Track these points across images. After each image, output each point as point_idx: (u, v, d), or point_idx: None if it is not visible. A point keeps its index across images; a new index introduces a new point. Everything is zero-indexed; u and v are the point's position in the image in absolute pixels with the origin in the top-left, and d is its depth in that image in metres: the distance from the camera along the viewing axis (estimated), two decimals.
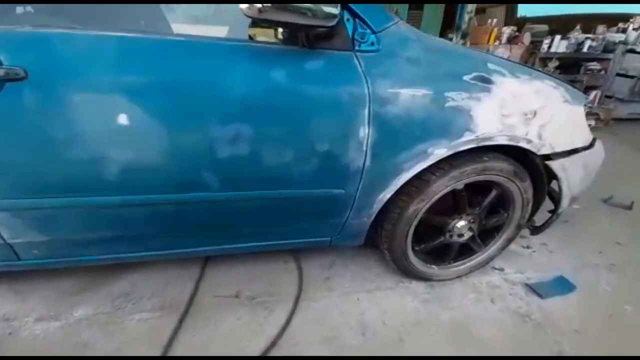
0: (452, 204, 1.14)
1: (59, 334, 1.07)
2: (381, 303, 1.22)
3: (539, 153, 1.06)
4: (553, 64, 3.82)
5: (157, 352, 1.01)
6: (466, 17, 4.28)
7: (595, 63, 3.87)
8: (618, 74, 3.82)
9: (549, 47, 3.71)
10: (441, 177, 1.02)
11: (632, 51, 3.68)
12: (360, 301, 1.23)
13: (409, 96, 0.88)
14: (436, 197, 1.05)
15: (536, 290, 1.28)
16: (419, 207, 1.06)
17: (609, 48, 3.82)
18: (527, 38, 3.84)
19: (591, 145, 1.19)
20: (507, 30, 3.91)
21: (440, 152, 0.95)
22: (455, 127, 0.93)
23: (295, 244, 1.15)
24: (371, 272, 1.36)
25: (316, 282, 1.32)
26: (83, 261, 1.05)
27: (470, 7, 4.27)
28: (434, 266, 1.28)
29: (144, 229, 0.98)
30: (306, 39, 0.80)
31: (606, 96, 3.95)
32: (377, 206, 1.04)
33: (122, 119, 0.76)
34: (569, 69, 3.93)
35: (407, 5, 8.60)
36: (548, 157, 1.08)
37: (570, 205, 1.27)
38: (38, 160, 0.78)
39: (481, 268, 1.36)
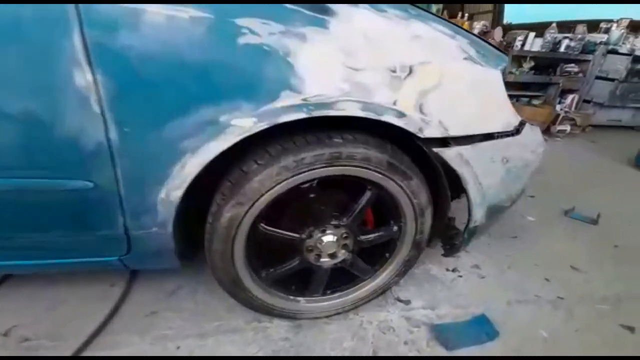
0: (309, 211, 0.77)
1: None
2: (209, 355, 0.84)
3: (422, 135, 0.69)
4: (528, 64, 3.52)
5: None
6: (433, 7, 3.95)
7: (573, 65, 3.58)
8: (598, 77, 3.52)
9: (523, 45, 3.40)
10: (266, 165, 0.65)
11: (614, 52, 3.38)
12: (180, 351, 0.84)
13: (162, 18, 0.50)
14: (264, 199, 0.68)
15: (442, 336, 0.91)
16: (237, 214, 0.68)
17: (588, 49, 3.53)
18: (497, 33, 3.53)
19: (517, 131, 0.83)
20: (478, 25, 3.59)
21: (244, 122, 0.58)
22: (263, 81, 0.56)
23: (69, 265, 0.77)
24: (221, 306, 0.97)
25: (134, 318, 0.92)
26: None
27: None
28: (299, 298, 0.90)
29: None
30: None
31: (584, 100, 3.64)
32: (165, 210, 0.66)
33: None
34: (545, 69, 3.63)
35: None
36: (441, 142, 0.72)
37: (490, 218, 0.91)
38: None
39: (377, 299, 0.99)
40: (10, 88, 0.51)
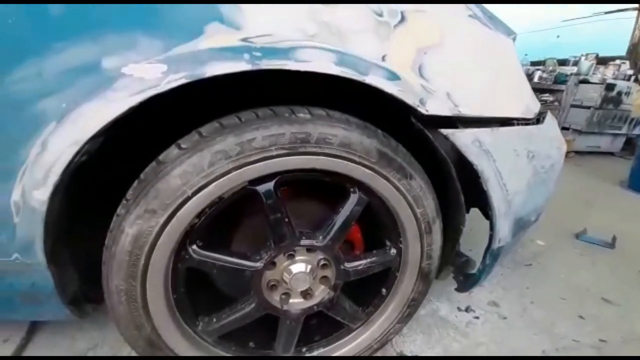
0: (267, 226, 0.53)
1: None
2: None
3: (425, 111, 0.49)
4: None
5: None
6: None
7: (547, 94, 3.69)
8: (573, 105, 3.62)
9: None
10: (192, 152, 0.42)
11: (586, 82, 3.52)
12: None
13: None
14: (192, 205, 0.44)
15: None
16: (147, 229, 0.43)
17: (560, 80, 3.67)
18: None
19: (537, 120, 0.64)
20: None
21: (145, 72, 0.37)
22: (180, 6, 0.36)
23: None
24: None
25: None
26: None
27: None
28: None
29: None
30: None
31: (563, 128, 3.70)
32: (24, 222, 0.41)
33: None
34: None
35: None
36: (448, 122, 0.52)
37: (517, 233, 0.68)
38: None
39: (370, 353, 0.71)
40: None
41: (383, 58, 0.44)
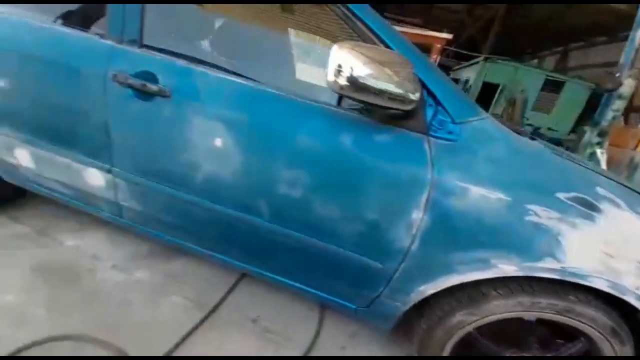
0: (516, 332, 0.94)
1: (118, 286, 1.30)
2: None
3: None
4: None
5: (171, 343, 1.11)
6: (610, 114, 3.58)
7: None
8: None
9: None
10: (505, 297, 0.86)
11: None
12: None
13: (479, 195, 0.80)
14: (492, 318, 0.89)
15: None
16: (466, 320, 0.91)
17: None
18: None
19: None
20: None
21: (507, 268, 0.81)
22: (534, 247, 0.79)
23: (321, 297, 1.13)
24: None
25: (330, 345, 1.24)
26: (154, 235, 1.27)
27: (617, 105, 3.56)
28: None
29: (203, 228, 1.14)
30: (380, 115, 0.85)
31: None
32: (415, 296, 0.94)
33: (218, 142, 0.94)
34: None
35: (540, 86, 7.74)
36: None
37: None
38: (157, 153, 1.03)
39: None
40: (371, 207, 0.87)
41: (637, 288, 0.77)
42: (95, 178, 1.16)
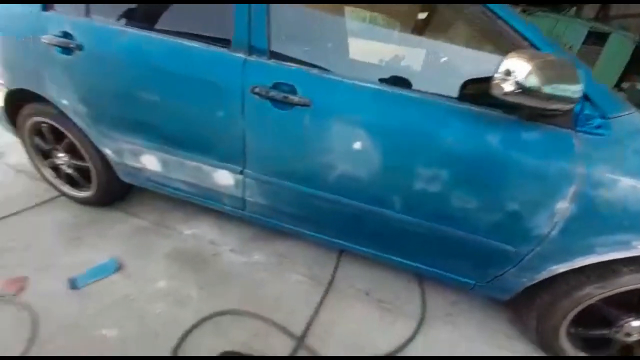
0: (635, 301, 1.03)
1: (244, 268, 1.48)
2: None
3: None
4: None
5: (307, 314, 1.29)
6: None
7: None
8: None
9: None
10: (635, 272, 0.94)
11: None
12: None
13: (629, 186, 0.85)
14: (620, 290, 0.98)
15: None
16: (594, 293, 1.00)
17: None
18: None
19: None
20: None
21: None
22: None
23: (438, 274, 1.25)
24: (500, 331, 1.34)
25: (437, 312, 1.39)
26: (274, 224, 1.40)
27: None
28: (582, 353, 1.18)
29: (326, 218, 1.26)
30: (528, 114, 0.87)
31: None
32: (544, 274, 1.04)
33: (357, 145, 1.01)
34: None
35: (582, 38, 6.88)
36: None
37: None
38: (292, 156, 1.11)
39: None
40: (514, 199, 0.93)
41: None
42: (224, 178, 1.28)
